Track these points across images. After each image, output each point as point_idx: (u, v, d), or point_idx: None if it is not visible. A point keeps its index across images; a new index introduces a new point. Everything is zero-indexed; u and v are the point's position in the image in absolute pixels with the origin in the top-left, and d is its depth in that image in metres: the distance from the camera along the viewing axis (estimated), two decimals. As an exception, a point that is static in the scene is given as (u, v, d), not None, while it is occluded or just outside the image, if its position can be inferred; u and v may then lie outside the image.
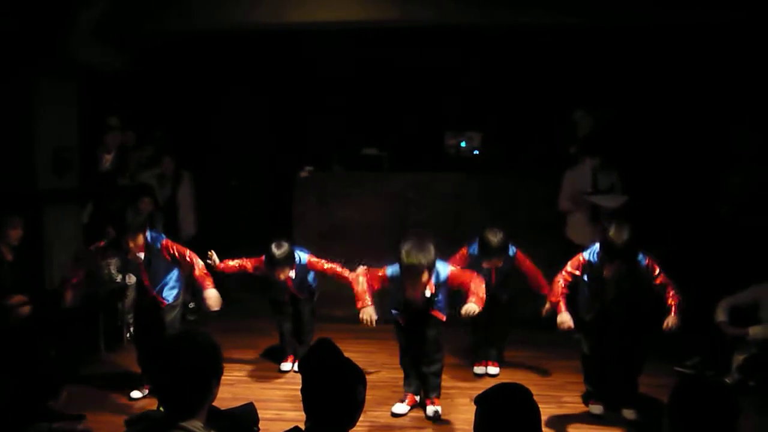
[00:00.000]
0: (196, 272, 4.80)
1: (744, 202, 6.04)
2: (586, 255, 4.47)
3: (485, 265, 5.07)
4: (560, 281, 4.52)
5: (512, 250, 5.15)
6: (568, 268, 4.54)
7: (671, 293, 4.30)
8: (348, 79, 7.70)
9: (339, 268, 5.21)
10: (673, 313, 4.27)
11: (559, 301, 4.50)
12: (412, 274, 4.23)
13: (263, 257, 5.17)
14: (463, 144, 7.53)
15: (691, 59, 6.69)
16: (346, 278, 5.08)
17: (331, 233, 7.01)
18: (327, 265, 5.28)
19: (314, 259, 5.30)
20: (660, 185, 6.79)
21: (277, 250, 5.05)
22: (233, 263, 5.37)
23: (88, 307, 5.81)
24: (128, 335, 6.22)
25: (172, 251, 4.80)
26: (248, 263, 5.35)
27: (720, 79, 6.61)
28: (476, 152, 7.51)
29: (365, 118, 7.73)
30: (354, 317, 6.42)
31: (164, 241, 4.84)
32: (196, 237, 7.34)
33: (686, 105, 6.92)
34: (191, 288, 6.04)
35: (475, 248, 5.14)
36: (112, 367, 5.54)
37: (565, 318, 4.45)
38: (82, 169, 6.52)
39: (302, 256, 5.27)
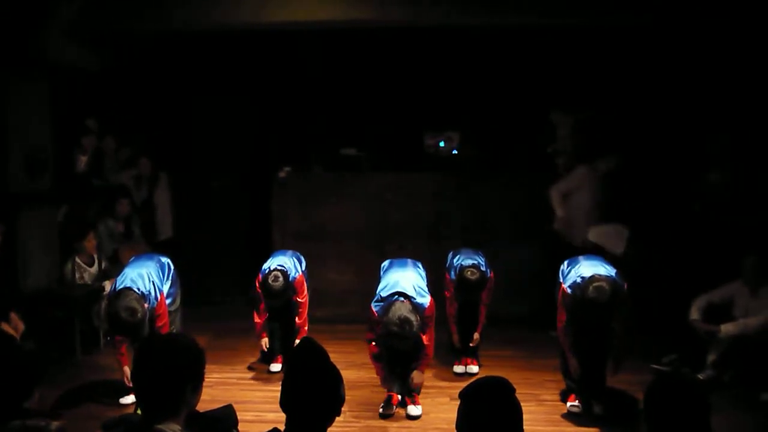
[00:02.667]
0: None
1: (719, 202, 6.12)
2: (567, 288, 4.47)
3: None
4: (563, 333, 4.56)
5: (488, 272, 5.28)
6: (562, 316, 4.55)
7: None
8: (327, 79, 7.68)
9: (304, 311, 5.35)
10: None
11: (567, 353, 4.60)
12: (398, 341, 4.35)
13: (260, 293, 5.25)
14: (441, 144, 7.55)
15: (669, 60, 6.76)
16: (301, 324, 5.33)
17: (310, 233, 6.99)
18: (302, 300, 5.35)
19: (300, 282, 5.33)
20: (636, 184, 6.87)
21: (274, 283, 5.08)
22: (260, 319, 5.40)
23: (64, 309, 5.75)
24: (105, 338, 6.15)
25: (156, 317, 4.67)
26: (260, 310, 5.37)
27: (697, 80, 6.69)
28: (455, 152, 7.53)
29: (344, 118, 7.72)
30: (333, 317, 6.45)
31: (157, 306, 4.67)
32: (173, 239, 7.28)
33: (664, 105, 7.00)
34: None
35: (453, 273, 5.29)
36: (89, 370, 5.47)
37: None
38: (58, 170, 6.42)
39: (293, 272, 5.27)
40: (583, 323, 4.45)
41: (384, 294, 4.51)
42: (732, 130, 6.34)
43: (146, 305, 4.48)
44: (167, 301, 4.82)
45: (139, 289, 4.51)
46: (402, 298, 4.42)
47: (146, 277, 4.64)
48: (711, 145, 6.38)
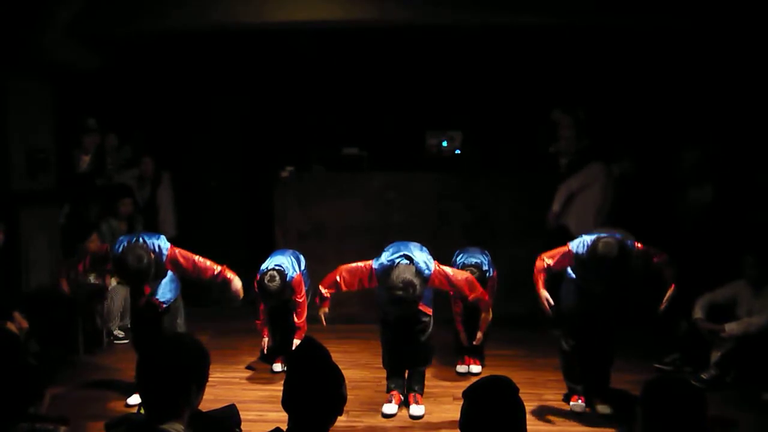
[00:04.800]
0: (219, 276, 4.71)
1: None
2: (574, 248, 4.40)
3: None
4: (541, 270, 4.44)
5: (491, 271, 5.26)
6: (549, 260, 4.45)
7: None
8: (329, 79, 7.68)
9: (303, 310, 5.31)
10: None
11: (538, 283, 4.46)
12: (401, 306, 4.25)
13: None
14: (444, 143, 7.54)
15: (671, 64, 6.76)
16: (300, 324, 5.28)
17: (312, 233, 6.99)
18: (300, 299, 5.33)
19: (297, 282, 5.30)
20: (640, 184, 6.86)
21: (270, 283, 5.06)
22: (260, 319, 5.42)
23: (67, 309, 5.75)
24: (109, 338, 6.17)
25: (178, 263, 4.64)
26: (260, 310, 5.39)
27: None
28: (458, 152, 7.53)
29: (346, 117, 7.72)
30: (334, 317, 6.43)
31: (169, 253, 4.63)
32: (176, 238, 7.28)
33: (665, 105, 7.00)
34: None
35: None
36: (91, 370, 5.48)
37: (544, 294, 4.46)
38: (59, 170, 6.43)
39: (291, 272, 5.25)
40: (590, 285, 4.35)
41: (388, 257, 4.36)
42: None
43: (153, 256, 4.49)
44: (168, 296, 4.78)
45: (148, 243, 4.55)
46: (406, 261, 4.29)
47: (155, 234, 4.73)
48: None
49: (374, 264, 4.44)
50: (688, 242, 5.84)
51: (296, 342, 5.18)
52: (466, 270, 5.13)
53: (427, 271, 4.36)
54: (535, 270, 4.49)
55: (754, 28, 5.57)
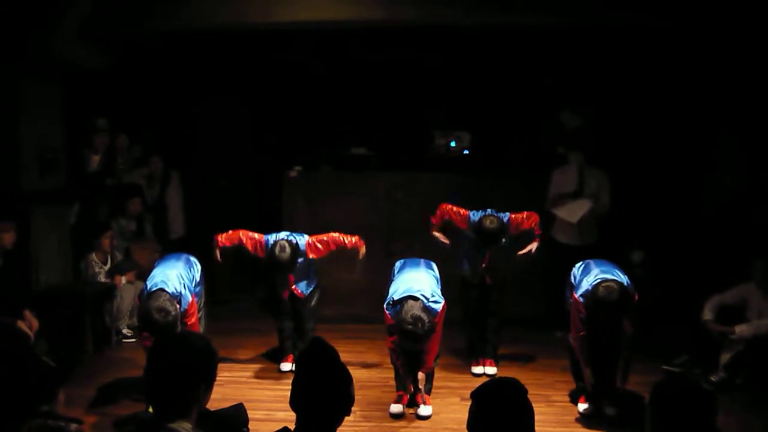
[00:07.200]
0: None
1: (732, 203, 6.08)
2: (580, 298, 4.43)
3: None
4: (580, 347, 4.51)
5: (505, 216, 5.25)
6: (578, 324, 4.49)
7: None
8: (336, 79, 7.69)
9: (338, 236, 5.30)
10: None
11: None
12: (410, 340, 4.39)
13: (263, 240, 5.22)
14: (452, 144, 7.53)
15: (677, 61, 6.72)
16: (346, 244, 5.28)
17: (320, 233, 6.97)
18: (325, 238, 5.30)
19: (311, 240, 5.27)
20: (647, 185, 6.83)
21: (281, 254, 5.05)
22: (231, 238, 5.31)
23: (76, 307, 5.79)
24: (118, 336, 6.19)
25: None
26: (248, 242, 5.29)
27: (706, 81, 6.65)
28: (466, 152, 7.51)
29: (354, 117, 7.72)
30: (341, 317, 6.45)
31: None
32: (184, 237, 7.31)
33: (672, 106, 6.97)
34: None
35: (475, 215, 5.29)
36: (100, 368, 5.50)
37: None
38: (70, 169, 6.47)
39: (301, 241, 5.24)
40: (595, 327, 4.43)
41: (396, 297, 4.53)
42: (742, 130, 6.30)
43: (178, 306, 4.47)
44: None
45: (171, 291, 4.49)
46: (413, 300, 4.45)
47: (177, 278, 4.64)
48: (722, 145, 6.34)
49: (387, 311, 4.58)
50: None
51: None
52: (485, 220, 5.12)
53: (436, 308, 4.51)
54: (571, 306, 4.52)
55: (758, 26, 5.54)
